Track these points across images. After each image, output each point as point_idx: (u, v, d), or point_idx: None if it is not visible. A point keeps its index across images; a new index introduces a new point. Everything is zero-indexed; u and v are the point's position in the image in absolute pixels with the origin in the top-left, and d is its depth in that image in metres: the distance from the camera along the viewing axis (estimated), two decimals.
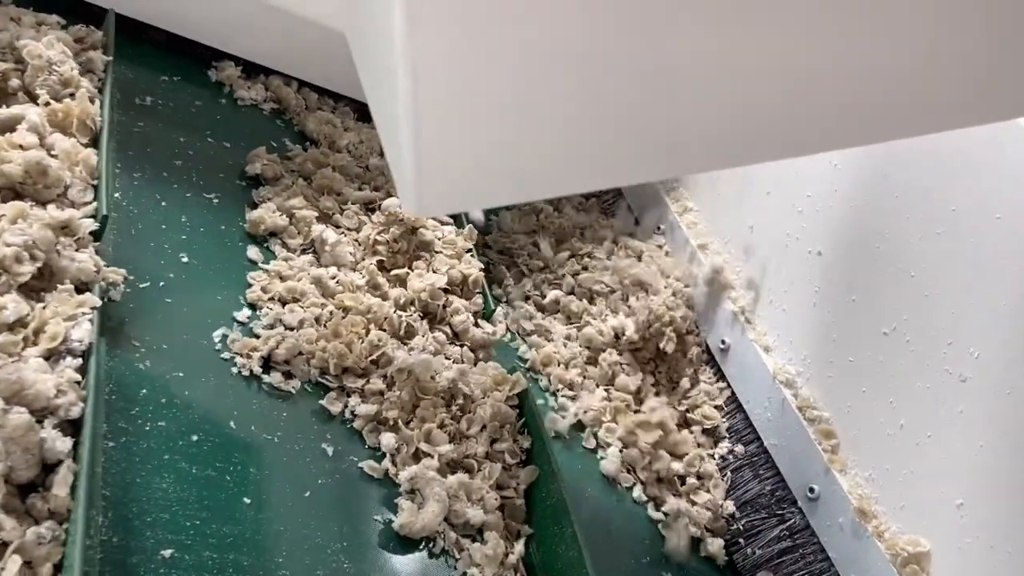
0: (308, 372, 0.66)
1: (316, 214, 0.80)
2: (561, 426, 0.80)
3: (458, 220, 0.89)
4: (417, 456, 0.65)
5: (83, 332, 0.52)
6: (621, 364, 0.87)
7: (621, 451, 0.81)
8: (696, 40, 0.36)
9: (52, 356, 0.51)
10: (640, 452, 0.81)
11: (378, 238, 0.80)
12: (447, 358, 0.74)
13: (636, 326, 0.87)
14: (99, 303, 0.55)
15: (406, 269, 0.79)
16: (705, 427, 0.85)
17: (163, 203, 0.73)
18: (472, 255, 0.84)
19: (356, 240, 0.80)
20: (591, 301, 0.93)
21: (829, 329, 0.76)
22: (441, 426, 0.67)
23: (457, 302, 0.79)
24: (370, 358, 0.69)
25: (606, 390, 0.85)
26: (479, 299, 0.82)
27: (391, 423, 0.66)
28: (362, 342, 0.70)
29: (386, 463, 0.64)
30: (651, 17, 0.35)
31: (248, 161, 0.82)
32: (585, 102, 0.38)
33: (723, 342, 0.86)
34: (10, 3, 0.75)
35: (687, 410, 0.86)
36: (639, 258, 0.95)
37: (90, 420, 0.49)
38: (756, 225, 0.87)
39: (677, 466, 0.82)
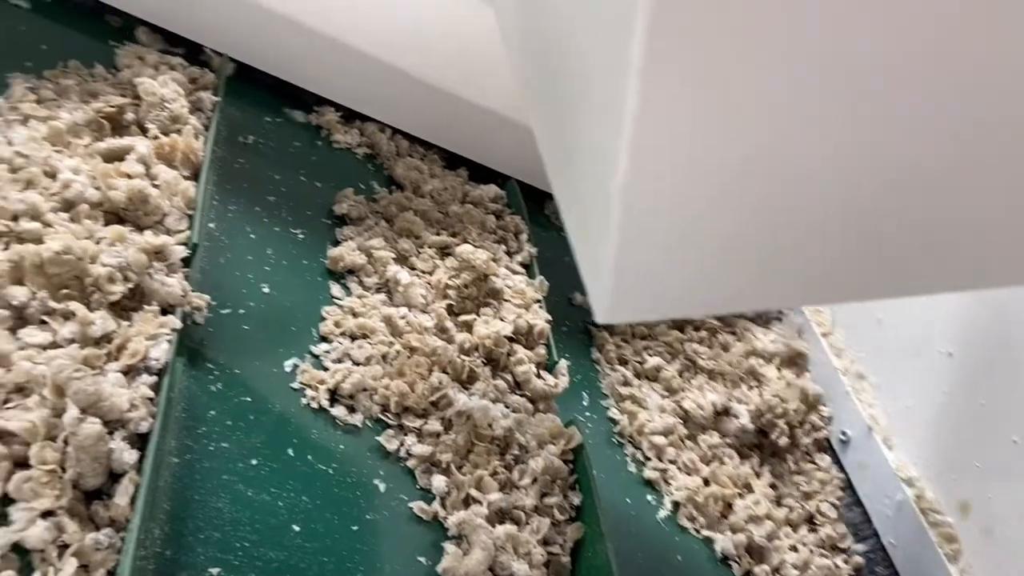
0: (370, 408, 0.68)
1: (394, 255, 0.83)
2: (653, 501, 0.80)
3: (530, 270, 0.90)
4: (467, 502, 0.66)
5: (161, 351, 0.55)
6: (724, 447, 0.87)
7: (725, 534, 0.81)
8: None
9: (130, 372, 0.54)
10: (744, 539, 0.80)
11: (449, 282, 0.82)
12: (506, 406, 0.75)
13: (749, 416, 0.87)
14: (179, 325, 0.59)
15: (474, 315, 0.81)
16: (817, 521, 0.83)
17: (252, 235, 0.77)
18: (540, 306, 0.85)
19: (429, 283, 0.82)
20: (693, 375, 0.93)
21: (956, 431, 0.74)
22: (493, 474, 0.68)
23: (521, 352, 0.80)
24: (431, 399, 0.71)
25: (705, 478, 0.85)
26: (543, 350, 0.83)
27: (444, 466, 0.67)
28: (424, 383, 0.71)
29: (435, 505, 0.65)
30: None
31: (336, 201, 0.86)
32: (834, 213, 0.33)
33: (844, 434, 0.85)
34: (140, 44, 0.82)
35: (800, 500, 0.85)
36: (753, 342, 0.95)
37: (156, 435, 0.52)
38: (884, 319, 0.85)
39: (790, 558, 0.80)
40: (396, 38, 0.93)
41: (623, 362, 0.94)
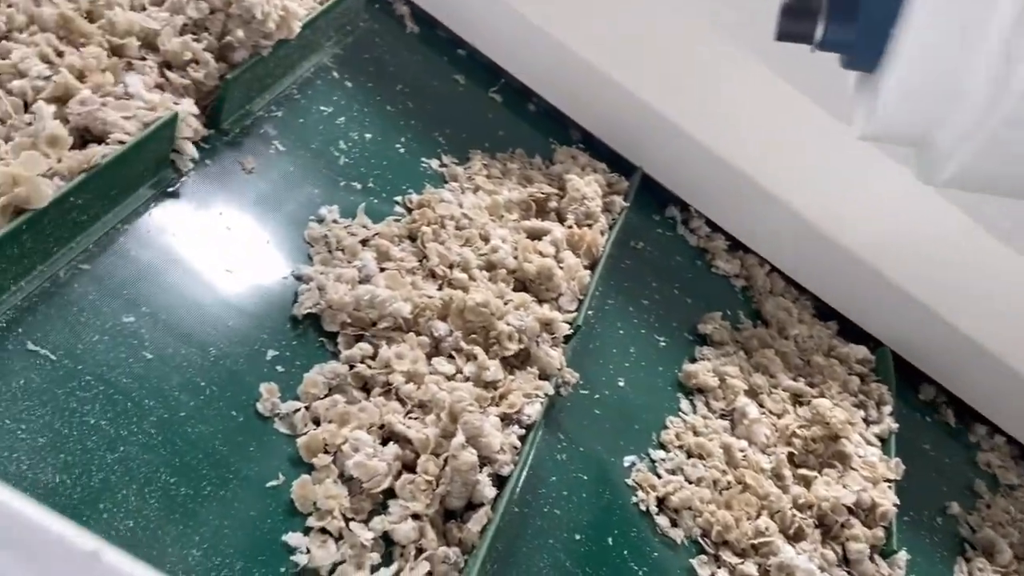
0: (691, 528, 0.69)
1: (746, 387, 0.83)
2: None
3: (886, 446, 0.84)
4: None
5: (534, 411, 0.62)
6: None
7: None
8: None
9: (505, 420, 0.61)
10: None
11: (797, 431, 0.80)
12: None
13: None
14: (551, 392, 0.65)
15: (816, 472, 0.77)
16: None
17: (620, 331, 0.83)
18: (890, 487, 0.79)
19: (775, 425, 0.81)
20: None
21: None
22: None
23: (858, 528, 0.74)
24: (752, 541, 0.69)
25: None
26: (882, 533, 0.76)
27: None
28: (750, 523, 0.70)
29: None
30: None
31: (702, 320, 0.89)
32: None
33: None
34: (574, 146, 0.94)
35: None
36: None
37: (513, 481, 0.57)
38: None
39: None
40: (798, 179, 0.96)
41: None
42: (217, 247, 0.63)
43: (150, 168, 0.62)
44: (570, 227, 0.81)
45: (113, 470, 0.49)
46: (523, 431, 0.61)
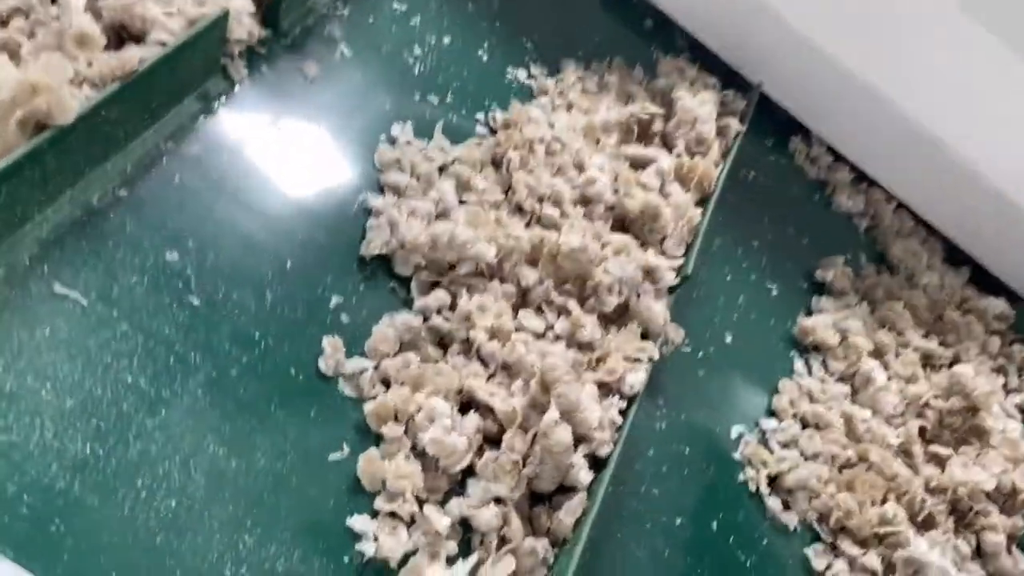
0: (806, 512, 0.60)
1: (871, 347, 0.72)
2: None
3: None
4: None
5: (636, 379, 0.53)
6: None
7: None
8: None
9: (603, 388, 0.52)
10: None
11: (931, 402, 0.69)
12: None
13: None
14: (657, 355, 0.56)
15: (949, 450, 0.67)
16: None
17: (728, 277, 0.72)
18: None
19: (903, 392, 0.70)
20: None
21: None
22: None
23: (995, 516, 0.64)
24: (876, 530, 0.60)
25: None
26: (1021, 521, 0.66)
27: None
28: (875, 509, 0.60)
29: None
30: None
31: (821, 266, 0.77)
32: None
33: None
34: (680, 57, 0.81)
35: None
36: None
37: (613, 465, 0.49)
38: None
39: None
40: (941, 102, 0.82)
41: None
42: (274, 172, 0.54)
43: (197, 76, 0.53)
44: (679, 155, 0.69)
45: (153, 438, 0.41)
46: (624, 403, 0.52)
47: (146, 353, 0.43)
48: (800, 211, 0.82)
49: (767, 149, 0.85)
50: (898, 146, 0.85)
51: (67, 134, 0.43)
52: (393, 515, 0.45)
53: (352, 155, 0.58)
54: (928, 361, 0.74)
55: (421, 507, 0.45)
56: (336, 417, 0.47)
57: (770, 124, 0.86)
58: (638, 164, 0.68)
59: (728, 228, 0.75)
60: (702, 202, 0.68)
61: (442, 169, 0.61)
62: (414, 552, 0.44)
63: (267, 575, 0.41)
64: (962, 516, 0.65)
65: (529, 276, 0.56)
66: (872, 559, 0.59)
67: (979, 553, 0.64)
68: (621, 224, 0.64)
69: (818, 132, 0.87)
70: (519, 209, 0.61)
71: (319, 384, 0.48)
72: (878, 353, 0.73)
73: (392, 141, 0.61)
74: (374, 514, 0.45)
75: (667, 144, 0.71)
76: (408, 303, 0.53)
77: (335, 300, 0.51)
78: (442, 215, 0.58)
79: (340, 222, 0.54)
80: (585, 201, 0.63)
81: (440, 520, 0.45)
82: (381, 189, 0.58)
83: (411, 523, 0.45)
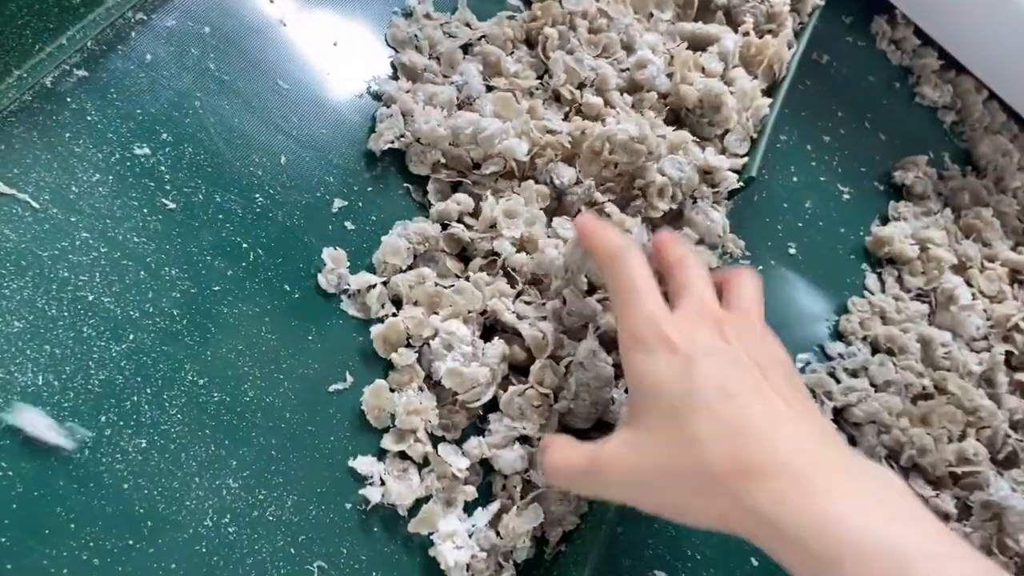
0: (874, 447, 0.53)
1: (954, 260, 0.63)
2: None
3: None
4: None
5: None
6: None
7: None
8: None
9: None
10: None
11: (1020, 324, 0.61)
12: None
13: None
14: (714, 267, 0.48)
15: None
16: None
17: (795, 178, 0.63)
18: None
19: (988, 312, 0.62)
20: None
21: None
22: None
23: None
24: (952, 469, 0.53)
25: None
26: None
27: None
28: (952, 445, 0.53)
29: None
30: None
31: (900, 167, 0.68)
32: None
33: None
34: None
35: None
36: None
37: None
38: None
39: None
40: None
41: None
42: (266, 50, 0.46)
43: None
44: (746, 35, 0.59)
45: (120, 368, 0.35)
46: None
47: (111, 266, 0.37)
48: (878, 103, 0.72)
49: (844, 28, 0.74)
50: (994, 28, 0.73)
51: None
52: (403, 456, 0.39)
53: (360, 30, 0.50)
54: (1017, 277, 0.65)
55: (435, 447, 0.39)
56: (338, 342, 0.40)
57: (850, 3, 0.74)
58: (697, 44, 0.58)
59: (796, 121, 0.66)
60: (770, 91, 0.58)
61: (467, 48, 0.52)
62: (427, 498, 0.39)
63: (255, 524, 0.35)
64: None
65: (565, 174, 0.47)
66: (946, 501, 0.52)
67: None
68: (676, 116, 0.55)
69: (903, 9, 0.75)
70: (556, 97, 0.52)
71: (318, 303, 0.41)
72: (961, 267, 0.64)
73: (408, 14, 0.52)
74: (381, 455, 0.39)
75: (731, 20, 0.61)
76: (424, 208, 0.46)
77: (338, 204, 0.44)
78: (465, 103, 0.50)
79: (345, 112, 0.46)
80: (634, 88, 0.54)
81: (457, 462, 0.39)
82: (394, 71, 0.49)
83: (423, 465, 0.39)
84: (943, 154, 0.72)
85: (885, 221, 0.65)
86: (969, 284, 0.63)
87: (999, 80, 0.77)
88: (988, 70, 0.76)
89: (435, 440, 0.40)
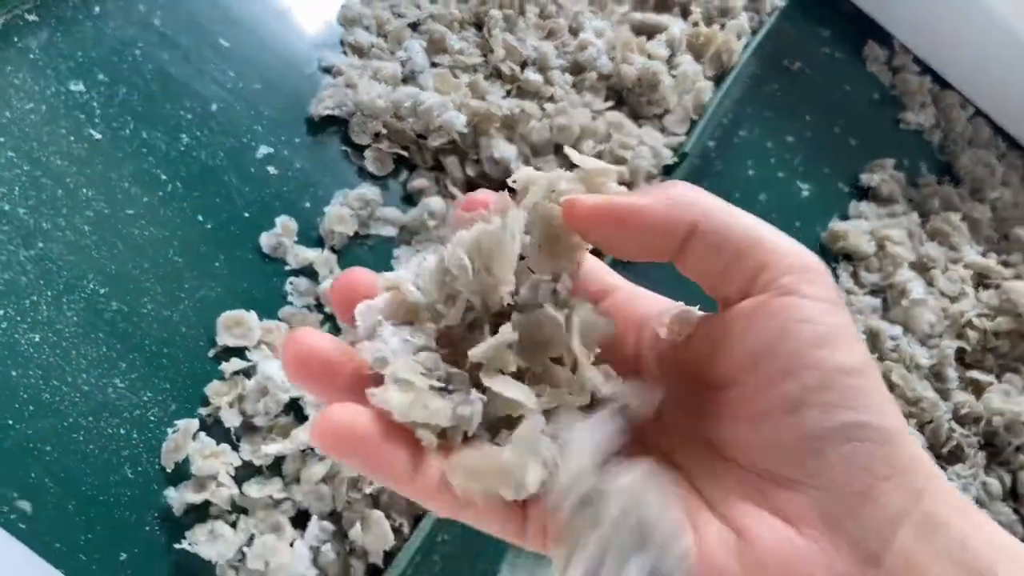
0: None
1: (912, 258, 0.62)
2: None
3: None
4: None
5: None
6: None
7: None
8: None
9: None
10: None
11: (975, 321, 0.59)
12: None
13: None
14: None
15: (992, 378, 0.57)
16: None
17: (751, 171, 0.64)
18: None
19: (944, 310, 0.61)
20: None
21: None
22: None
23: None
24: None
25: None
26: None
27: None
28: None
29: None
30: None
31: (868, 169, 0.68)
32: None
33: None
34: None
35: None
36: None
37: None
38: None
39: None
40: None
41: None
42: (214, 11, 0.50)
43: None
44: (696, 24, 0.60)
45: (25, 270, 0.38)
46: None
47: (31, 182, 0.40)
48: (850, 110, 0.72)
49: (820, 38, 0.75)
50: (979, 43, 0.73)
51: None
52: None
53: (311, 7, 0.53)
54: (982, 279, 0.64)
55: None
56: (245, 273, 0.43)
57: (825, 7, 0.75)
58: (646, 32, 0.60)
59: (760, 120, 0.67)
60: (719, 78, 0.60)
61: (414, 27, 0.55)
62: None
63: (135, 424, 0.37)
64: (997, 452, 0.55)
65: (504, 150, 0.49)
66: None
67: (1014, 493, 0.55)
68: (619, 97, 0.57)
69: (881, 21, 0.75)
70: (498, 74, 0.55)
71: (231, 234, 0.43)
72: (922, 267, 0.63)
73: None
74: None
75: (685, 14, 0.63)
76: (362, 172, 0.48)
77: (264, 150, 0.46)
78: (409, 79, 0.52)
79: (290, 80, 0.49)
80: (577, 69, 0.56)
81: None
82: (343, 47, 0.53)
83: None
84: (919, 163, 0.72)
85: (845, 218, 0.65)
86: (930, 284, 0.62)
87: (986, 98, 0.77)
88: (974, 87, 0.76)
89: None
